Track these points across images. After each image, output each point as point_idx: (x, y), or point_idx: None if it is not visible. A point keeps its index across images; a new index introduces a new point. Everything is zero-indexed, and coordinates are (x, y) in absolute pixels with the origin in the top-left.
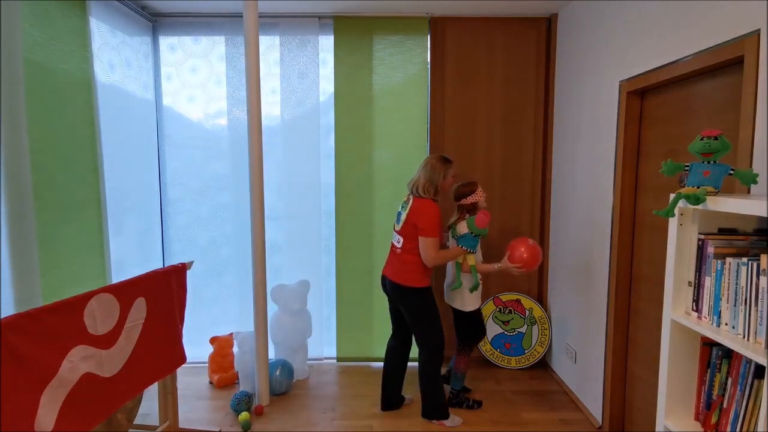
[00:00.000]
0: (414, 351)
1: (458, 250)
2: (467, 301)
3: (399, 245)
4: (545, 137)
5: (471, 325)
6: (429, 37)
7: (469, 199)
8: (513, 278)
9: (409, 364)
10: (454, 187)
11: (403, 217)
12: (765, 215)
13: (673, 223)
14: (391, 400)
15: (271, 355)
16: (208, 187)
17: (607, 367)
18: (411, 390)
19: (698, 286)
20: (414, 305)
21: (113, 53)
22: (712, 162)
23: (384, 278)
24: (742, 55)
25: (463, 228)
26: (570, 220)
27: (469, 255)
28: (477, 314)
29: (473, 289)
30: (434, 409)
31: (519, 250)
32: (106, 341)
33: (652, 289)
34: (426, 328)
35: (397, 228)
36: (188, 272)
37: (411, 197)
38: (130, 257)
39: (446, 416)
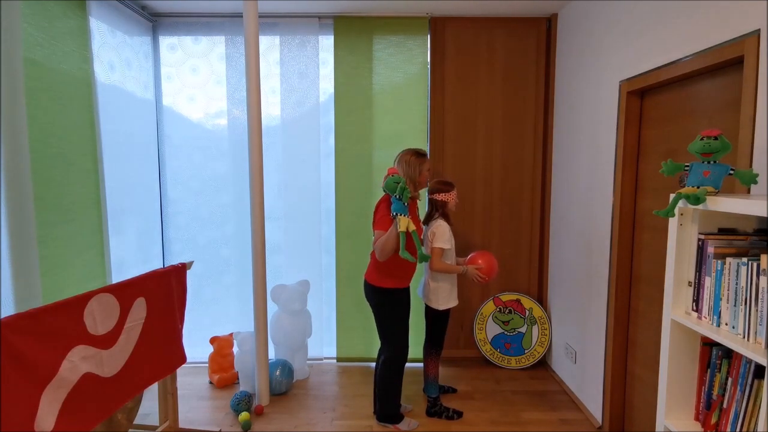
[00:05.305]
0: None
1: (392, 227)
2: (441, 300)
3: None
4: (545, 137)
5: (439, 326)
6: (429, 37)
7: (440, 197)
8: (513, 278)
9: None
10: (433, 181)
11: None
12: (765, 215)
13: (673, 223)
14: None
15: (271, 355)
16: (208, 187)
17: (607, 367)
18: (409, 389)
19: (698, 286)
20: (374, 304)
21: (113, 53)
22: (712, 162)
23: None
24: (742, 55)
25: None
26: (570, 220)
27: (402, 218)
28: (445, 317)
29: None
30: (387, 414)
31: (485, 256)
32: (106, 341)
33: (652, 289)
34: (386, 329)
35: None
36: (188, 272)
37: None
38: (130, 257)
39: (399, 420)
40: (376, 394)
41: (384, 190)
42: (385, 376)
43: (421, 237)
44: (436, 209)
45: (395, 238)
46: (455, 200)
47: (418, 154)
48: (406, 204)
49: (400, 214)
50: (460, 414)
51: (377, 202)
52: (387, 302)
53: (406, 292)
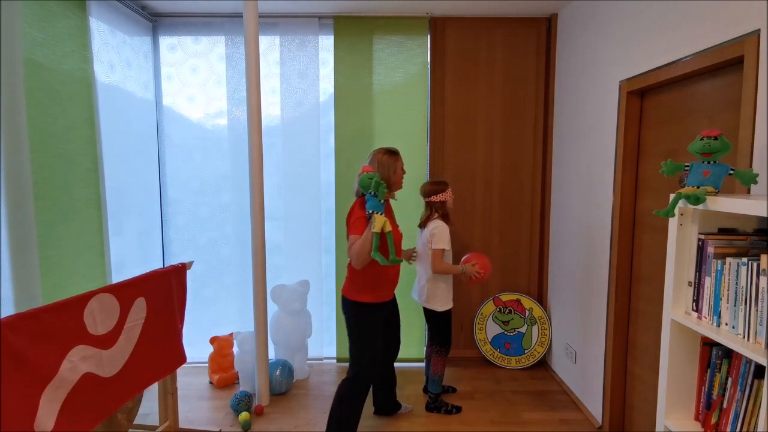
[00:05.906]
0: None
1: (368, 228)
2: (440, 301)
3: None
4: (545, 137)
5: (443, 326)
6: (429, 37)
7: (437, 197)
8: (513, 278)
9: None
10: (425, 184)
11: None
12: (765, 215)
13: (673, 223)
14: (382, 406)
15: (271, 355)
16: (208, 187)
17: (607, 367)
18: (409, 389)
19: (698, 286)
20: (347, 317)
21: (113, 53)
22: (712, 162)
23: None
24: (742, 55)
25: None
26: (570, 220)
27: (378, 217)
28: (447, 317)
29: (377, 244)
30: None
31: (479, 257)
32: (106, 341)
33: (652, 289)
34: (356, 345)
35: None
36: (188, 272)
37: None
38: (130, 257)
39: None
40: (329, 414)
41: (356, 194)
42: (345, 396)
43: (399, 240)
44: (435, 210)
45: (372, 239)
46: (451, 197)
47: (391, 152)
48: (382, 201)
49: (376, 212)
50: (459, 408)
51: (350, 207)
52: (362, 319)
53: (386, 306)
